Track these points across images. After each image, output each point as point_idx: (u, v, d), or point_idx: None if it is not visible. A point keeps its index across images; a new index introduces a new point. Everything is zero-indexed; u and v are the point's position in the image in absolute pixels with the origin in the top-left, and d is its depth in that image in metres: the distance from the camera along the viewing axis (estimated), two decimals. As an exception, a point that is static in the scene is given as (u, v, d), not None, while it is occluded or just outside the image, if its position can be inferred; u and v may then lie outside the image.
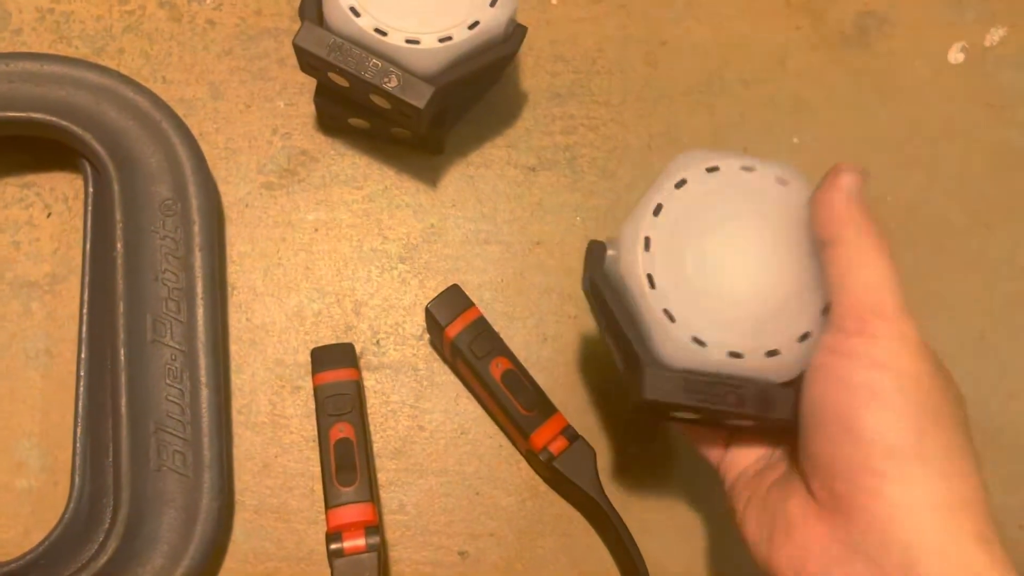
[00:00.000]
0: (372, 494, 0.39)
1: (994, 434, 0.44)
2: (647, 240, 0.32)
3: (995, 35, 0.52)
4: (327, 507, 0.39)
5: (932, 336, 0.30)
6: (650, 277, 0.32)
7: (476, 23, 0.40)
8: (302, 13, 0.42)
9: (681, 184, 0.33)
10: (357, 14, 0.39)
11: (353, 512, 0.38)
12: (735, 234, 0.33)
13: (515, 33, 0.42)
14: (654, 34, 0.50)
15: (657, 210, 0.33)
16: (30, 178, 0.45)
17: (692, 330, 0.32)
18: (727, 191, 0.33)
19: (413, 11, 0.39)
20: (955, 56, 0.51)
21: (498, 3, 0.40)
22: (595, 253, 0.35)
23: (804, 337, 0.32)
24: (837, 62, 0.51)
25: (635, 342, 0.32)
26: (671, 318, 0.32)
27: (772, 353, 0.32)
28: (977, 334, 0.46)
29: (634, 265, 0.32)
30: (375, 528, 0.39)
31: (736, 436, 0.35)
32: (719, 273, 0.32)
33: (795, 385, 0.32)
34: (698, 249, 0.32)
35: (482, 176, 0.47)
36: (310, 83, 0.47)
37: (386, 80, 0.39)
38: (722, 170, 0.33)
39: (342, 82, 0.41)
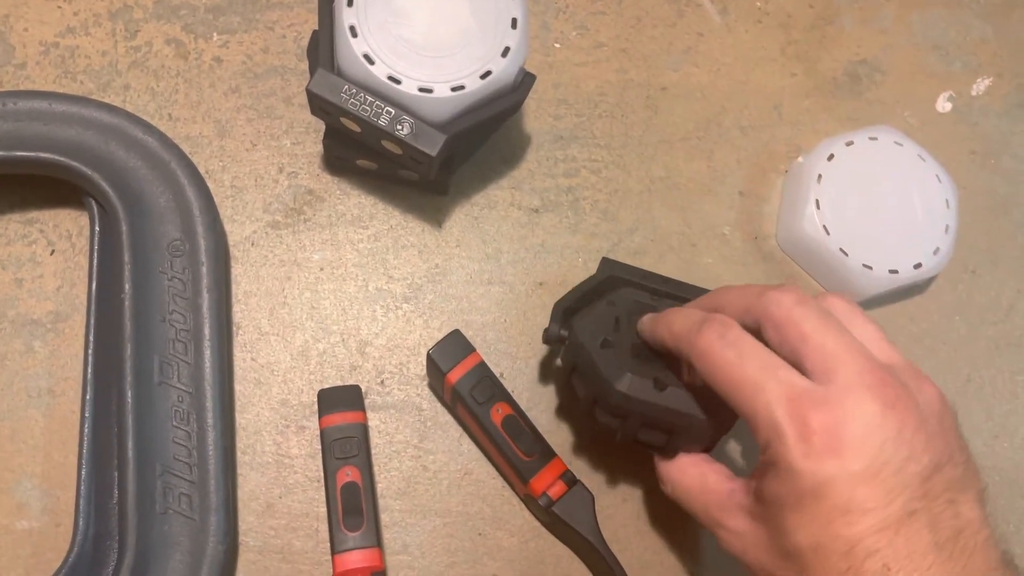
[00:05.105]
0: (378, 539, 0.40)
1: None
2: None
3: (981, 85, 0.54)
4: (333, 552, 0.39)
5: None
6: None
7: (488, 72, 0.40)
8: (312, 57, 0.43)
9: None
10: (371, 62, 0.40)
11: (360, 557, 0.39)
12: None
13: (524, 82, 0.42)
14: (654, 79, 0.51)
15: None
16: (33, 214, 0.45)
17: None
18: None
19: (427, 60, 0.40)
20: (943, 105, 0.53)
21: (510, 53, 0.41)
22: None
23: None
24: (829, 110, 0.52)
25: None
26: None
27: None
28: (964, 377, 0.48)
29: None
30: (381, 573, 0.39)
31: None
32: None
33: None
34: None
35: (486, 217, 0.48)
36: (317, 122, 0.47)
37: (399, 127, 0.40)
38: None
39: (354, 127, 0.41)
